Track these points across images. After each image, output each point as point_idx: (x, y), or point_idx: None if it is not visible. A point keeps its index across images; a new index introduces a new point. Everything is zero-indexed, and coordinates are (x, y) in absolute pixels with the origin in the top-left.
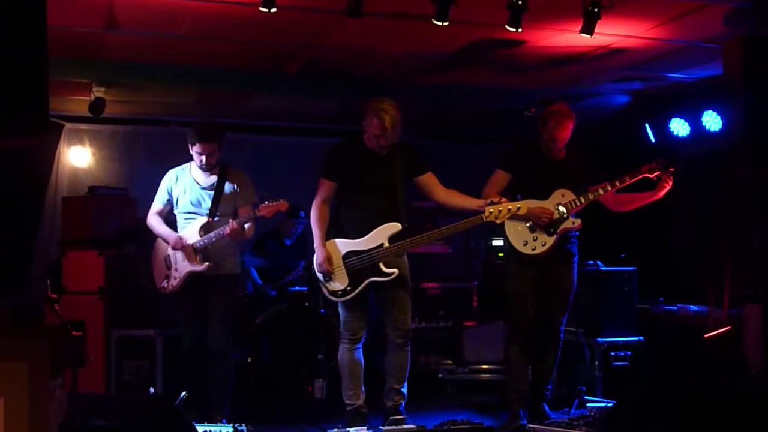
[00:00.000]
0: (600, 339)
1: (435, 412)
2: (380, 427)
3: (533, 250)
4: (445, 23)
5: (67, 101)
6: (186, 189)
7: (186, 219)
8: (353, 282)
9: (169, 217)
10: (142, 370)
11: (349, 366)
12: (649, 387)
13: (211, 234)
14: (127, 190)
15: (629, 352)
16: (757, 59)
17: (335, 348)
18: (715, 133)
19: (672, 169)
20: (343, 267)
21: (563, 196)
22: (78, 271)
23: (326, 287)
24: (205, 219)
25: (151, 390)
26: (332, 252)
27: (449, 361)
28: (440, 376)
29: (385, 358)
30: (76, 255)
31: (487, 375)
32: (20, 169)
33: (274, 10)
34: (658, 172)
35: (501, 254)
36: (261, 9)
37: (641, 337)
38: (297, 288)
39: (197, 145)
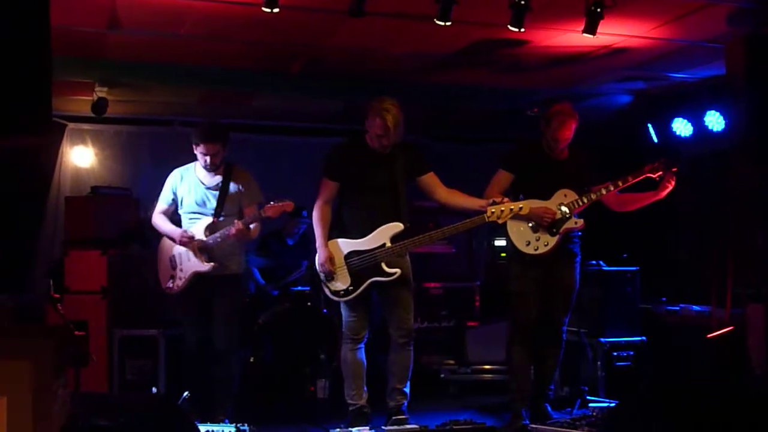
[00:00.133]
0: (602, 339)
1: (437, 412)
2: (383, 427)
3: (536, 250)
4: (448, 23)
5: (69, 101)
6: (191, 189)
7: (191, 219)
8: (355, 282)
9: (173, 217)
10: (144, 369)
11: (352, 366)
12: (652, 387)
13: (216, 234)
14: (130, 190)
15: (632, 352)
16: (760, 59)
17: (338, 348)
18: (717, 133)
19: (675, 169)
20: (345, 267)
21: (566, 196)
22: (81, 271)
23: (328, 287)
24: (210, 219)
25: (154, 390)
26: (334, 252)
27: (452, 361)
28: (443, 376)
29: (387, 358)
30: (78, 255)
31: (490, 375)
32: (23, 168)
33: (276, 10)
34: (660, 172)
35: (503, 254)
36: (264, 9)
37: (644, 337)
38: (299, 288)
39: (201, 145)
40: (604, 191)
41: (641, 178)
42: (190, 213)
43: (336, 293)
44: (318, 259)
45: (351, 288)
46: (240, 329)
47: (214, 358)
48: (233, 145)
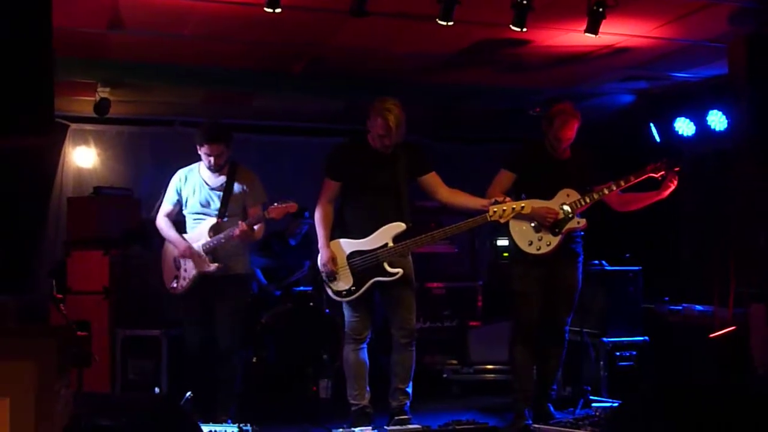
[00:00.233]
0: (605, 339)
1: (440, 412)
2: (385, 427)
3: (538, 250)
4: (450, 23)
5: (72, 102)
6: (195, 189)
7: (195, 219)
8: (358, 282)
9: (178, 217)
10: (147, 369)
11: (354, 366)
12: (655, 387)
13: (221, 235)
14: (132, 191)
15: (634, 352)
16: (762, 58)
17: (340, 348)
18: (720, 132)
19: (677, 169)
20: (347, 267)
21: (568, 195)
22: (83, 271)
23: (331, 287)
24: (214, 220)
25: (156, 390)
26: (336, 252)
27: (454, 361)
28: (445, 376)
29: (390, 358)
30: (81, 255)
31: (492, 375)
32: (26, 169)
33: (278, 10)
34: (663, 172)
35: (506, 254)
36: (266, 9)
37: (646, 337)
38: (302, 288)
39: (205, 146)
40: (606, 191)
41: (644, 177)
42: (194, 214)
43: (338, 293)
44: (320, 259)
45: (353, 288)
46: (243, 329)
47: (217, 358)
48: (235, 145)
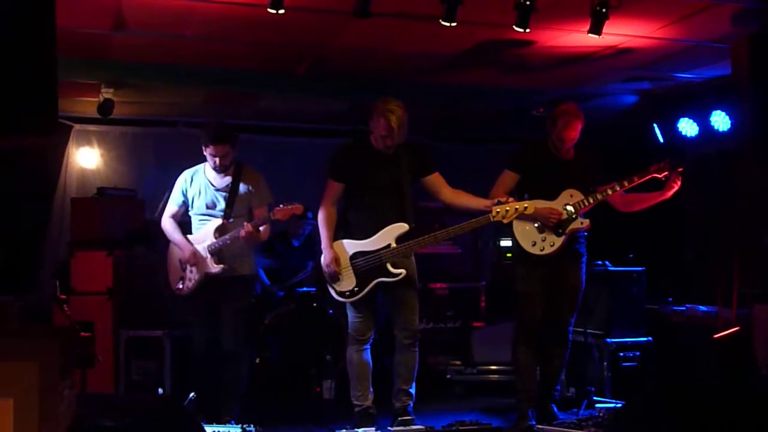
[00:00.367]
0: (609, 339)
1: (443, 413)
2: (388, 428)
3: (542, 250)
4: (453, 24)
5: (75, 102)
6: (201, 191)
7: (201, 220)
8: (361, 283)
9: (183, 218)
10: (150, 370)
11: (357, 367)
12: (658, 387)
13: (226, 236)
14: (136, 192)
15: (638, 353)
16: (765, 59)
17: (343, 349)
18: (723, 132)
19: (680, 169)
20: (350, 268)
21: (572, 196)
22: (86, 272)
23: (334, 288)
24: (219, 221)
25: (160, 390)
26: (339, 253)
27: (457, 362)
28: (448, 376)
29: (393, 358)
30: (84, 256)
31: (496, 376)
32: (29, 170)
33: (282, 11)
34: (666, 172)
35: (509, 255)
36: (269, 10)
37: (650, 338)
38: (305, 289)
39: (210, 146)
40: (609, 191)
41: (647, 178)
42: (199, 215)
43: (341, 294)
44: (323, 259)
45: (356, 289)
46: (247, 330)
47: (222, 359)
48: (239, 146)
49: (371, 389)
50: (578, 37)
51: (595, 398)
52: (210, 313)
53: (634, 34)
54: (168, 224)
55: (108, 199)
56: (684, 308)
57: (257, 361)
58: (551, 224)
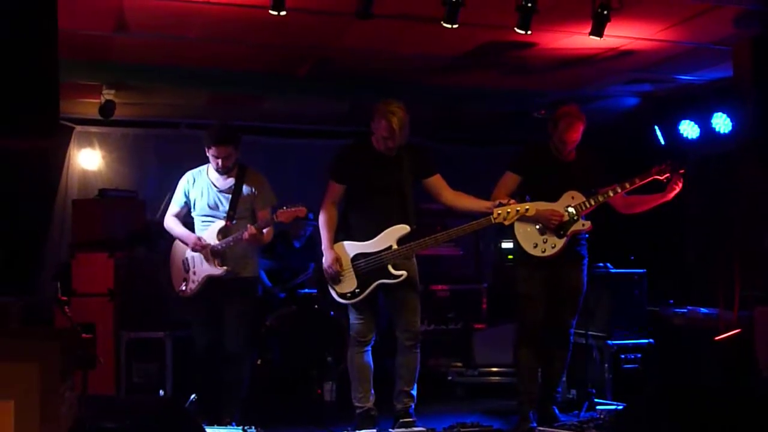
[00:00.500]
0: (610, 341)
1: (444, 415)
2: (389, 430)
3: (543, 252)
4: (455, 26)
5: (77, 104)
6: (203, 192)
7: (203, 222)
8: (362, 284)
9: (186, 219)
10: (151, 372)
11: (359, 369)
12: (660, 389)
13: (229, 238)
14: (137, 193)
15: (639, 355)
16: (767, 61)
17: (345, 350)
18: (724, 135)
19: (682, 171)
20: (351, 269)
21: (573, 198)
22: (88, 274)
23: (335, 289)
24: (222, 223)
25: (161, 392)
26: (341, 254)
27: (459, 364)
28: (450, 378)
29: (394, 360)
30: (85, 257)
31: (497, 377)
32: (30, 171)
33: (283, 12)
34: (667, 174)
35: (510, 256)
36: (271, 12)
37: (651, 340)
38: (306, 290)
39: (213, 147)
40: (611, 193)
41: (648, 180)
42: (202, 216)
43: (343, 296)
44: (324, 261)
45: (357, 290)
46: (250, 332)
47: (224, 360)
48: (242, 147)
49: (372, 391)
50: (580, 39)
51: (596, 400)
52: (211, 313)
53: (635, 36)
54: (171, 221)
55: (109, 201)
56: (685, 310)
57: (258, 362)
58: (553, 226)
